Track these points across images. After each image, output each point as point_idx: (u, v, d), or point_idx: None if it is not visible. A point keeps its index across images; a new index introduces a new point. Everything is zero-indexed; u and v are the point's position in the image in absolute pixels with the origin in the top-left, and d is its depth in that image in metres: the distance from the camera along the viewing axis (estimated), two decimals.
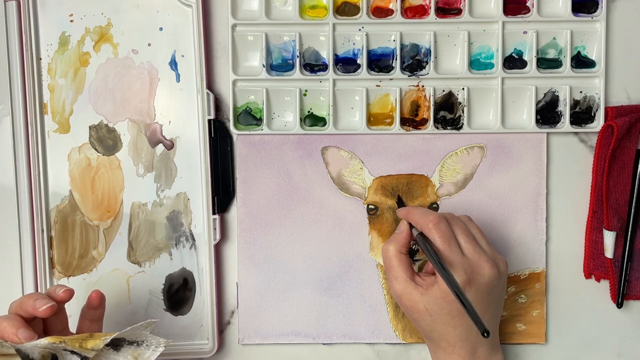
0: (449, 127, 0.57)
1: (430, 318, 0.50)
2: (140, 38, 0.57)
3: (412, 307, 0.50)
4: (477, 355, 0.51)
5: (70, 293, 0.48)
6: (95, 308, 0.51)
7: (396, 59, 0.57)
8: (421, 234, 0.51)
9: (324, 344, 0.59)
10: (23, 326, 0.45)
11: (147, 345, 0.48)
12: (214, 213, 0.57)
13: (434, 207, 0.58)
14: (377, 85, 0.57)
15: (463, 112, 0.57)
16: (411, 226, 0.53)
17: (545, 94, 0.57)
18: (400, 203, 0.57)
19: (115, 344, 0.47)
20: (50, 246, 0.57)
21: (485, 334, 0.42)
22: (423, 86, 0.57)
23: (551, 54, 0.57)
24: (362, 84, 0.57)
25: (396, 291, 0.51)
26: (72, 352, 0.46)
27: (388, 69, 0.57)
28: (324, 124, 0.58)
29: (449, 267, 0.48)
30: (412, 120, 0.58)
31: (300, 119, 0.57)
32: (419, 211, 0.52)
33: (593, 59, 0.57)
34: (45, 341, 0.45)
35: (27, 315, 0.47)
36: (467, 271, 0.49)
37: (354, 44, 0.57)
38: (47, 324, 0.50)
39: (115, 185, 0.57)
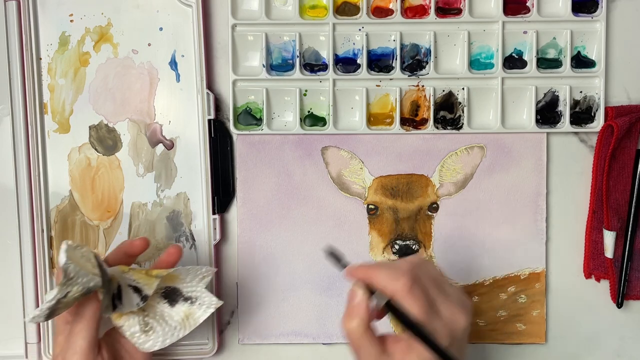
0: (449, 127, 0.57)
1: None
2: (140, 38, 0.57)
3: None
4: None
5: (146, 241, 0.51)
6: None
7: (396, 59, 0.57)
8: (390, 303, 0.43)
9: (324, 344, 0.59)
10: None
11: (200, 303, 0.50)
12: (214, 213, 0.57)
13: (434, 206, 0.58)
14: (377, 85, 0.57)
15: (463, 112, 0.57)
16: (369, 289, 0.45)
17: (545, 94, 0.57)
18: (335, 258, 0.46)
19: (171, 299, 0.50)
20: (50, 246, 0.57)
21: None
22: (423, 86, 0.57)
23: (551, 54, 0.57)
24: (362, 84, 0.57)
25: None
26: (135, 290, 0.48)
27: (388, 69, 0.57)
28: (324, 124, 0.58)
29: (432, 331, 0.43)
30: (412, 120, 0.58)
31: (300, 119, 0.57)
32: (384, 274, 0.43)
33: (593, 59, 0.57)
34: (116, 268, 0.49)
35: (122, 258, 0.51)
36: (447, 333, 0.43)
37: (354, 44, 0.57)
38: None
39: (115, 185, 0.57)
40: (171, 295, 0.50)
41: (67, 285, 0.44)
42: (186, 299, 0.50)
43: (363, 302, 0.44)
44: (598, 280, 0.59)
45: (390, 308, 0.43)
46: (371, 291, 0.44)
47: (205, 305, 0.50)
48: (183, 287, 0.50)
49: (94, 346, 0.47)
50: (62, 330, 0.49)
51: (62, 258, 0.44)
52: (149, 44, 0.57)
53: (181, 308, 0.50)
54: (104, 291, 0.46)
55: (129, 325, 0.48)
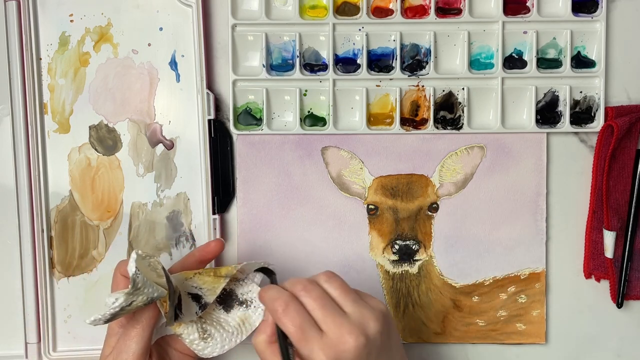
0: (449, 127, 0.57)
1: None
2: (140, 38, 0.57)
3: None
4: None
5: (221, 243, 0.52)
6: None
7: (396, 59, 0.57)
8: (277, 325, 0.45)
9: None
10: None
11: (254, 306, 0.50)
12: (214, 213, 0.57)
13: (434, 206, 0.58)
14: (377, 85, 0.57)
15: (463, 112, 0.57)
16: None
17: (545, 94, 0.57)
18: (269, 275, 0.50)
19: (227, 304, 0.50)
20: (50, 246, 0.57)
21: None
22: (423, 86, 0.57)
23: (551, 54, 0.57)
24: (362, 84, 0.57)
25: None
26: (194, 299, 0.48)
27: (388, 69, 0.57)
28: (324, 124, 0.58)
29: (309, 356, 0.43)
30: (412, 120, 0.58)
31: (300, 119, 0.57)
32: (268, 295, 0.45)
33: (593, 59, 0.57)
34: (180, 275, 0.49)
35: (192, 264, 0.51)
36: (329, 354, 0.42)
37: (354, 44, 0.57)
38: None
39: (115, 185, 0.57)
40: (226, 300, 0.50)
41: (134, 295, 0.44)
42: (241, 303, 0.50)
43: (268, 321, 0.46)
44: (598, 280, 0.59)
45: (277, 327, 0.45)
46: None
47: (261, 308, 0.50)
48: (239, 288, 0.50)
49: (146, 352, 0.48)
50: (115, 333, 0.49)
51: (131, 268, 0.44)
52: (149, 44, 0.57)
53: (237, 313, 0.50)
54: (169, 303, 0.46)
55: (187, 333, 0.48)
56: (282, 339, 0.45)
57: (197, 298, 0.49)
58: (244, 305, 0.50)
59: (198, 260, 0.52)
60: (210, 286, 0.49)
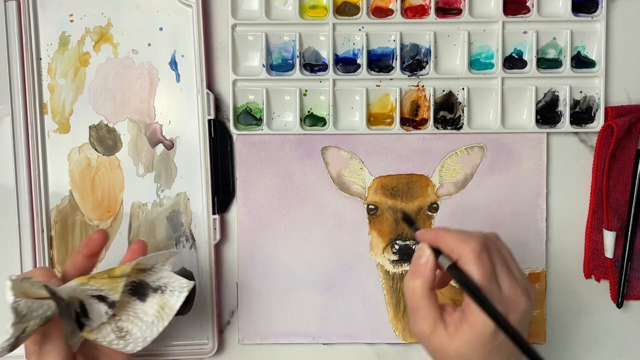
0: (449, 127, 0.57)
1: None
2: (140, 38, 0.57)
3: (441, 350, 0.43)
4: None
5: (104, 233, 0.50)
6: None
7: (396, 59, 0.57)
8: (454, 266, 0.43)
9: (324, 344, 0.59)
10: (54, 277, 0.47)
11: (171, 290, 0.48)
12: (214, 213, 0.57)
13: (434, 206, 0.58)
14: (377, 85, 0.57)
15: (463, 112, 0.57)
16: (436, 252, 0.44)
17: (545, 94, 0.57)
18: (410, 221, 0.49)
19: (141, 293, 0.48)
20: (50, 246, 0.57)
21: None
22: (423, 86, 0.57)
23: (551, 54, 0.57)
24: (362, 84, 0.57)
25: (424, 333, 0.43)
26: (100, 299, 0.46)
27: (388, 69, 0.57)
28: (324, 124, 0.58)
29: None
30: (412, 120, 0.58)
31: (300, 119, 0.57)
32: (454, 237, 0.43)
33: (593, 59, 0.57)
34: (73, 283, 0.46)
35: (82, 262, 0.49)
36: (504, 310, 0.42)
37: (354, 44, 0.57)
38: None
39: (115, 185, 0.58)
40: (139, 290, 0.48)
41: (22, 323, 0.42)
42: (156, 290, 0.48)
43: (429, 263, 0.44)
44: (598, 280, 0.59)
45: (455, 270, 0.43)
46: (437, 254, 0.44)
47: (177, 291, 0.48)
48: (149, 277, 0.48)
49: None
50: (32, 351, 0.47)
51: (8, 297, 0.41)
52: (149, 44, 0.57)
53: (153, 300, 0.48)
54: (64, 319, 0.44)
55: (103, 337, 0.47)
56: (464, 281, 0.42)
57: (102, 298, 0.46)
58: (159, 291, 0.48)
59: (85, 255, 0.49)
60: (109, 287, 0.46)
